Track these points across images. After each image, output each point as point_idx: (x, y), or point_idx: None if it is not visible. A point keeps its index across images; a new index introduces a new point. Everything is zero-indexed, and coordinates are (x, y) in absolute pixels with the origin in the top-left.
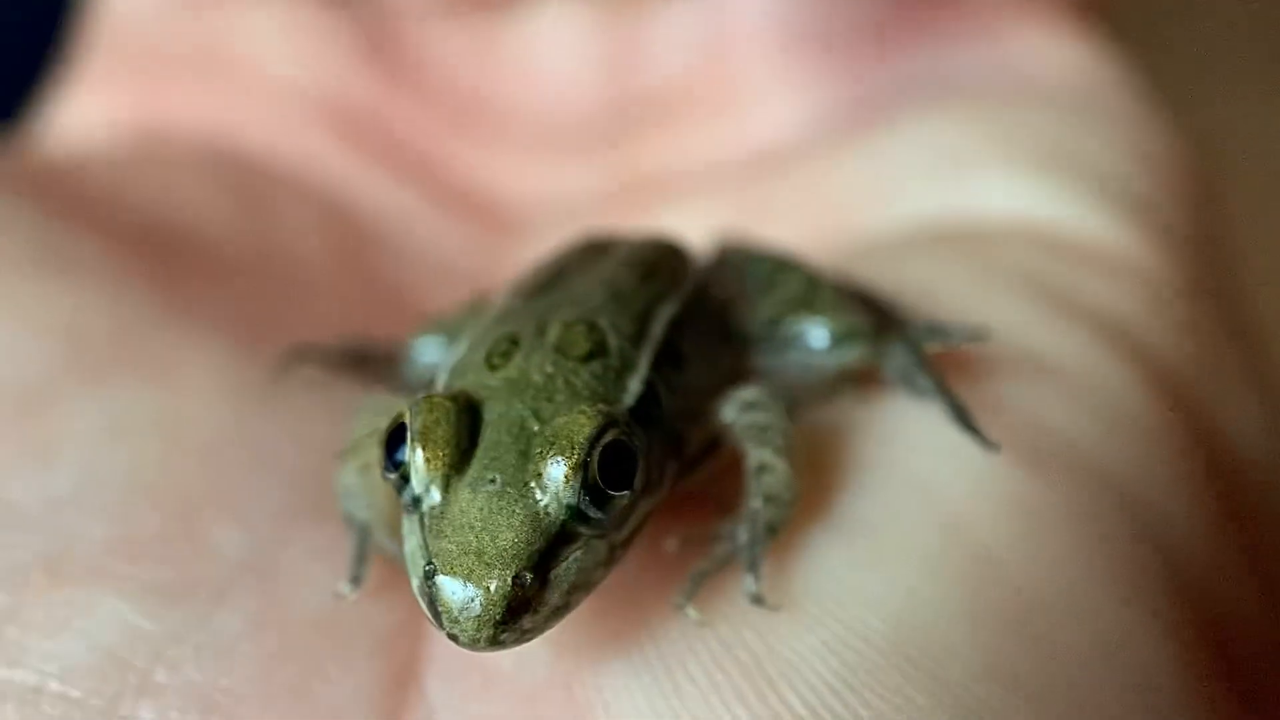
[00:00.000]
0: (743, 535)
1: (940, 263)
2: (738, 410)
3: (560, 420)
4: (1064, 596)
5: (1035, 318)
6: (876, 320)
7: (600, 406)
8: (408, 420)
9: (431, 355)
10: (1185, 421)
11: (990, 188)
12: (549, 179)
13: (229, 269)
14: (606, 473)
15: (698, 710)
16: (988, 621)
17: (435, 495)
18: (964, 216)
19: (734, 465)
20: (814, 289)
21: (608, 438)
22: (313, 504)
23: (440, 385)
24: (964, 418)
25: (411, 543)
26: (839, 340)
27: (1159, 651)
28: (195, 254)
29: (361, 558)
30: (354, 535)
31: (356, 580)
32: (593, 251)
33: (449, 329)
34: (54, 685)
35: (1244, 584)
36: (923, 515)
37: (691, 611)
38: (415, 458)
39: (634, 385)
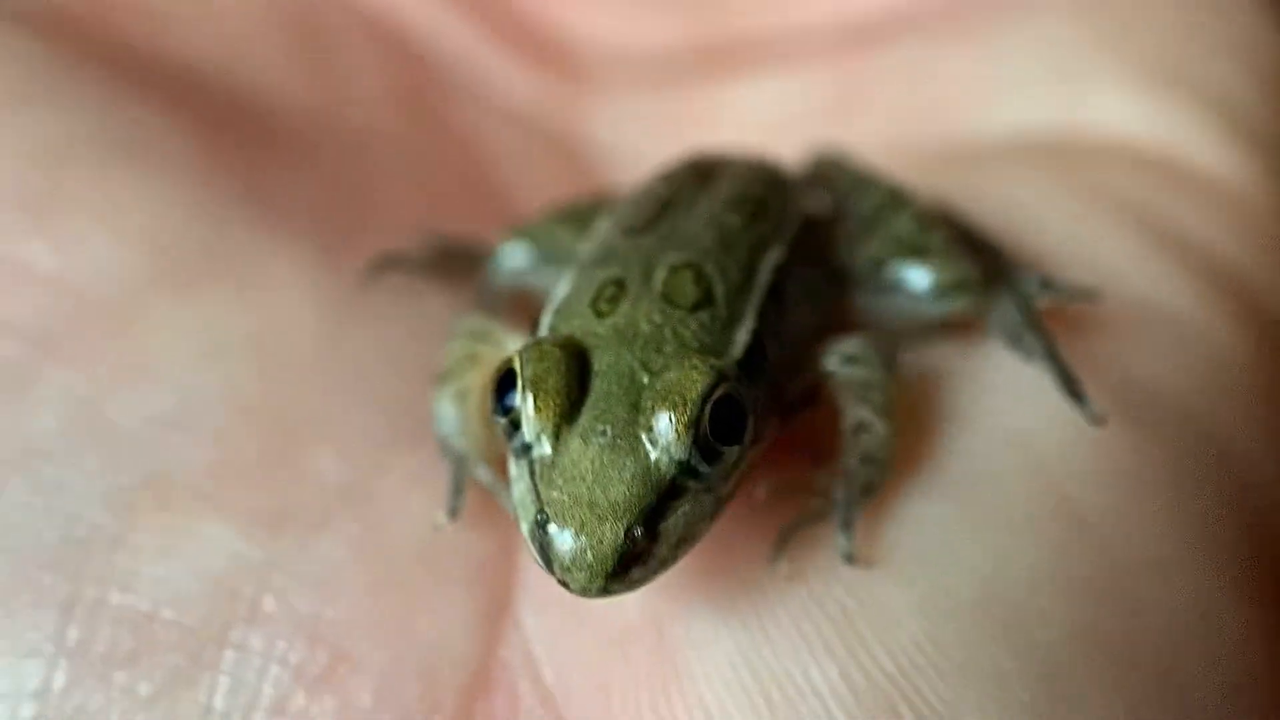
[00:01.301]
0: (839, 493)
1: (1046, 186)
2: (839, 362)
3: (671, 375)
4: (1153, 561)
5: (1143, 259)
6: (985, 270)
7: (712, 361)
8: (518, 367)
9: (517, 261)
10: None
11: (1101, 101)
12: (624, 28)
13: (301, 137)
14: (717, 427)
15: (785, 660)
16: (1076, 584)
17: (546, 444)
18: (1071, 131)
19: (829, 411)
20: (924, 231)
21: (719, 393)
22: (409, 428)
23: (545, 328)
24: (1071, 386)
25: (520, 488)
26: (946, 290)
27: (1241, 618)
28: (264, 119)
29: (458, 489)
30: (450, 465)
31: (454, 512)
32: (696, 178)
33: (536, 236)
34: (167, 613)
35: None
36: (1018, 473)
37: (784, 564)
38: (526, 406)
39: (741, 337)
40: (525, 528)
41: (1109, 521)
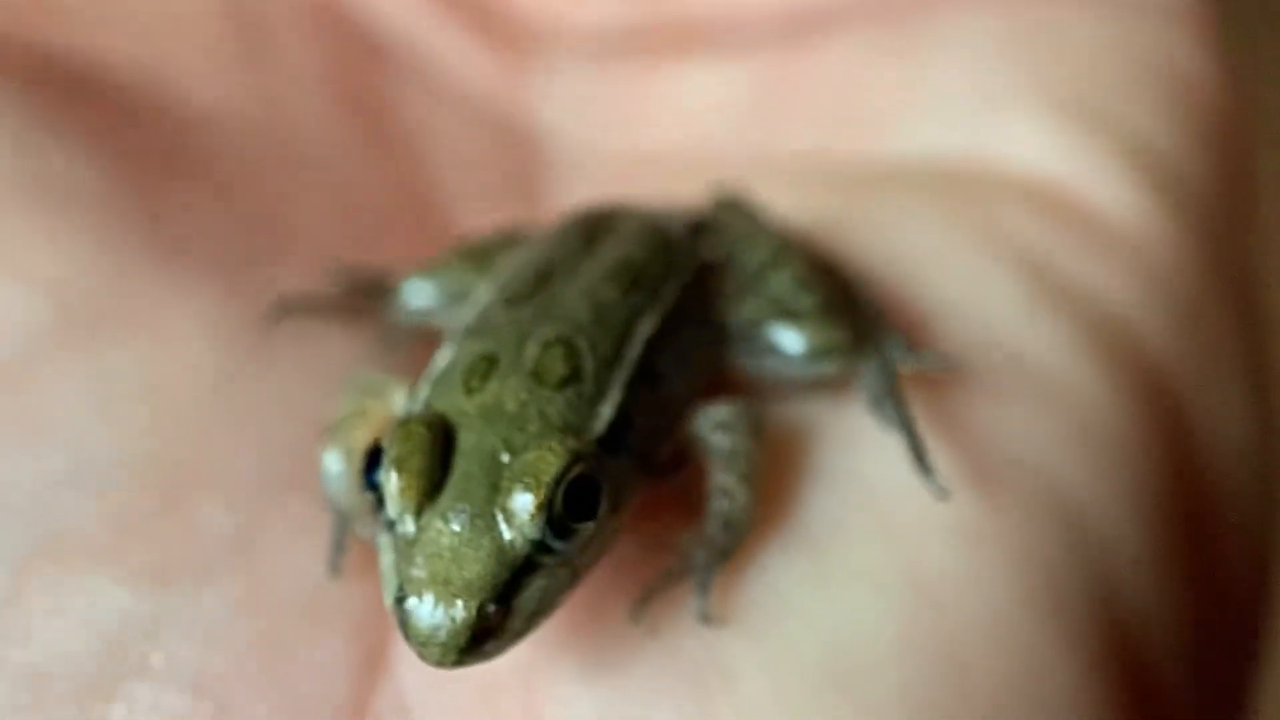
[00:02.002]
0: (698, 556)
1: (941, 227)
2: (709, 429)
3: (529, 456)
4: (989, 624)
5: (1024, 308)
6: (855, 334)
7: (569, 442)
8: (386, 445)
9: (420, 300)
10: (1161, 435)
11: (1014, 131)
12: (571, 6)
13: (224, 150)
14: (571, 506)
15: (640, 714)
16: (912, 644)
17: (408, 522)
18: (981, 160)
19: (698, 468)
20: (800, 292)
21: (573, 473)
22: (298, 476)
23: (420, 401)
24: (920, 458)
25: (385, 561)
26: (815, 355)
27: (1074, 676)
28: (183, 129)
29: (340, 546)
30: (334, 521)
31: (335, 568)
32: (584, 238)
33: (439, 276)
34: (60, 668)
35: (1181, 620)
36: (869, 533)
37: (644, 621)
38: (390, 485)
39: (606, 412)
40: (388, 600)
41: (949, 583)
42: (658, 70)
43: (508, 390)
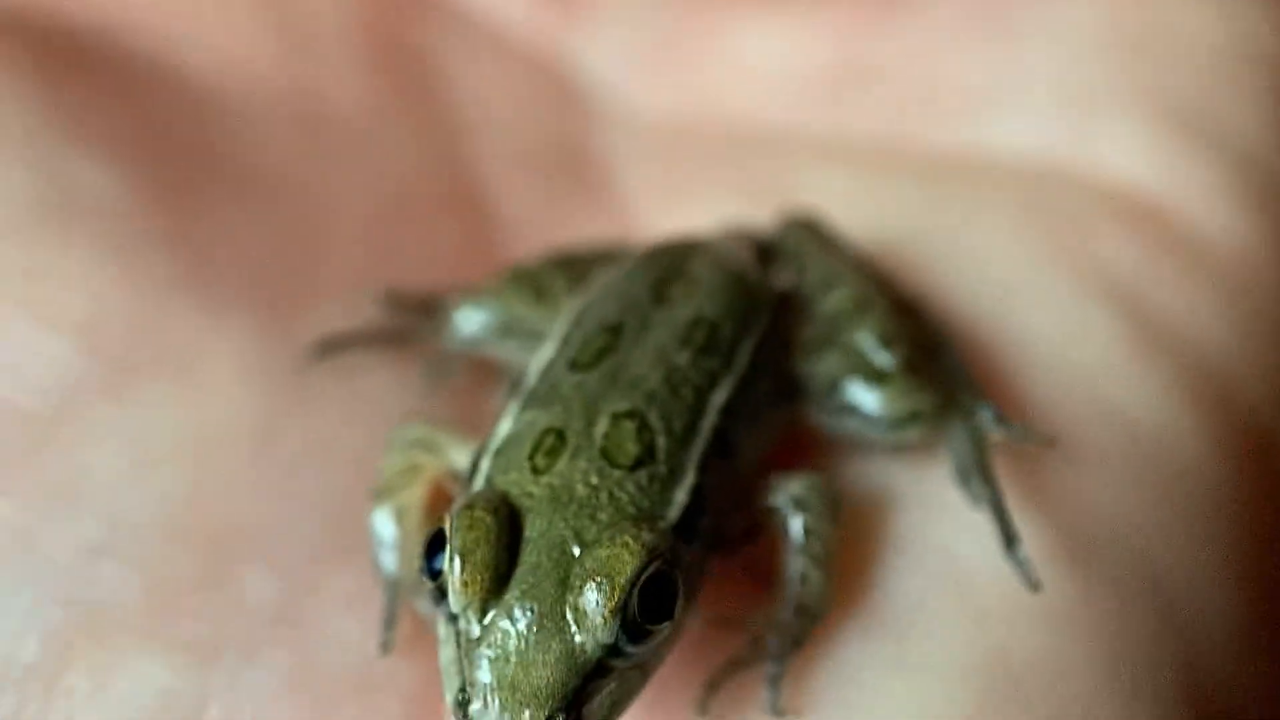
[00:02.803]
0: (771, 644)
1: (1027, 252)
2: (783, 504)
3: (602, 553)
4: (1075, 713)
5: (1123, 357)
6: (942, 398)
7: (644, 536)
8: (448, 532)
9: (471, 329)
10: (1260, 489)
11: (1109, 136)
12: None
13: (257, 157)
14: (646, 607)
15: None
16: None
17: (472, 619)
18: (1071, 166)
19: (772, 537)
20: (884, 347)
21: (650, 571)
22: (345, 537)
23: (482, 475)
24: (1010, 544)
25: (446, 655)
26: (900, 421)
27: None
28: (209, 114)
29: (390, 620)
30: (385, 592)
31: (386, 645)
32: (655, 282)
33: (490, 303)
34: None
35: (1264, 688)
36: (953, 617)
37: (712, 710)
38: (453, 578)
39: (680, 497)
40: (449, 699)
41: (1038, 673)
42: (722, 24)
43: (577, 471)
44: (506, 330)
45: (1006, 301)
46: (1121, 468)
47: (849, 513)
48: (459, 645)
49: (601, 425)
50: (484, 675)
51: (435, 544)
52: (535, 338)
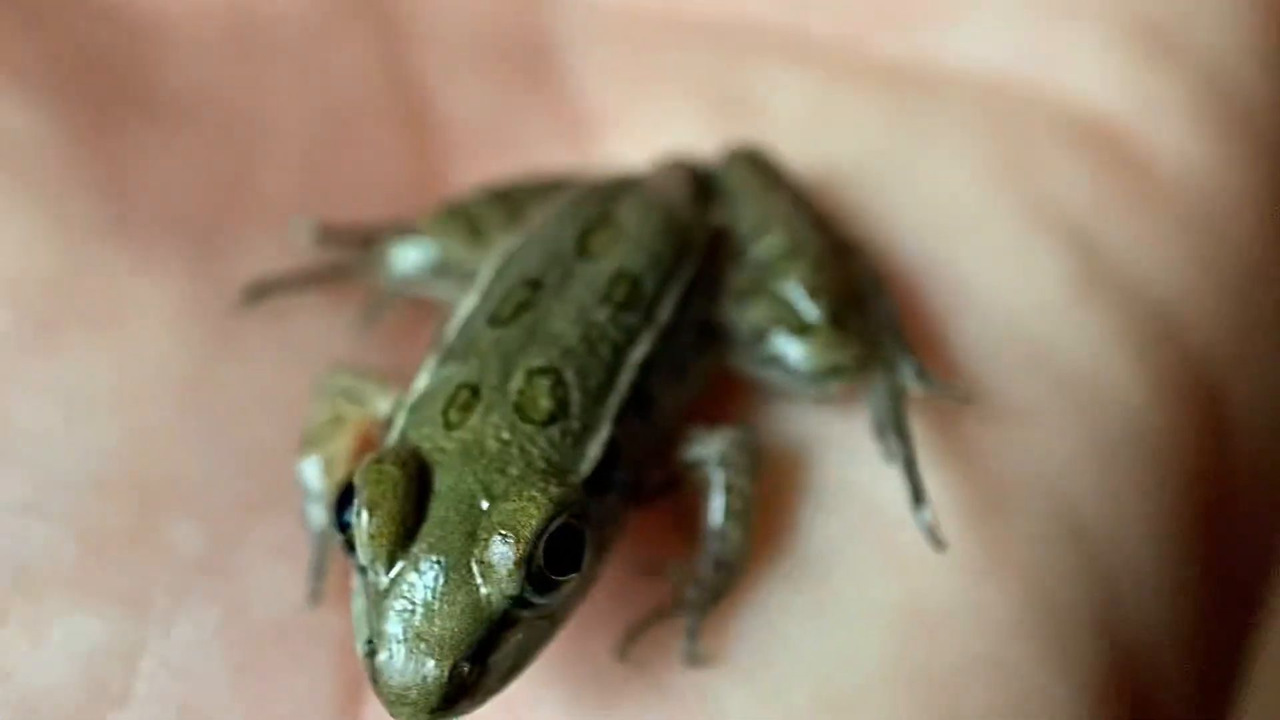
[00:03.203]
0: (689, 595)
1: (984, 180)
2: (703, 459)
3: (509, 506)
4: (985, 653)
5: (1065, 299)
6: (865, 350)
7: (552, 490)
8: (356, 485)
9: (406, 266)
10: (1195, 436)
11: (1075, 51)
12: None
13: (179, 44)
14: (552, 560)
15: None
16: (907, 681)
17: (380, 571)
18: (1033, 86)
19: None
20: (811, 297)
21: (556, 525)
22: (272, 490)
23: (396, 429)
24: (919, 503)
25: (357, 606)
26: (820, 374)
27: (1073, 709)
28: (135, 32)
29: (319, 570)
30: (313, 545)
31: (314, 595)
32: (581, 230)
33: (425, 242)
34: (44, 703)
35: (1184, 636)
36: (869, 562)
37: (630, 657)
38: (360, 530)
39: (593, 450)
40: (358, 649)
41: (948, 615)
42: None
43: (489, 426)
44: (441, 269)
45: (952, 238)
46: (1051, 417)
47: (771, 458)
48: (367, 597)
49: (516, 381)
50: (390, 626)
51: (345, 497)
52: (469, 278)
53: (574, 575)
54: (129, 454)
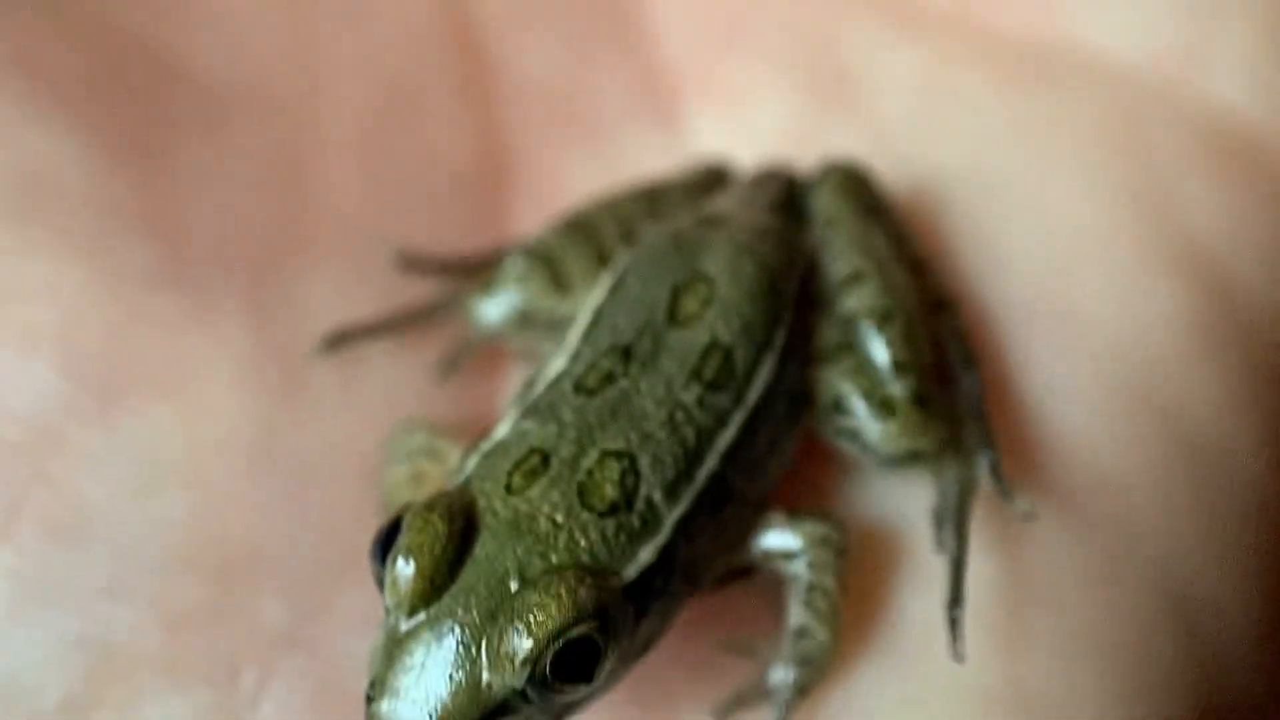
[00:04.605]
0: (775, 689)
1: (1099, 189)
2: (787, 554)
3: (533, 599)
4: None
5: (1184, 346)
6: (945, 437)
7: (580, 593)
8: (403, 525)
9: (493, 316)
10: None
11: (1220, 51)
12: None
13: (226, 75)
14: (562, 667)
15: None
16: None
17: (400, 619)
18: (1171, 85)
19: None
20: (897, 372)
21: (574, 633)
22: (352, 554)
23: (463, 476)
24: (955, 605)
25: (376, 639)
26: (899, 459)
27: None
28: (176, 67)
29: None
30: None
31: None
32: (673, 284)
33: (509, 293)
34: None
35: None
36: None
37: None
38: (391, 575)
39: (645, 555)
40: (365, 684)
41: (1045, 700)
42: None
43: (547, 502)
44: (525, 321)
45: (1067, 271)
46: (1162, 486)
47: (860, 532)
48: (385, 638)
49: (589, 459)
50: (393, 679)
51: (392, 532)
52: (554, 327)
53: (581, 686)
54: (203, 525)
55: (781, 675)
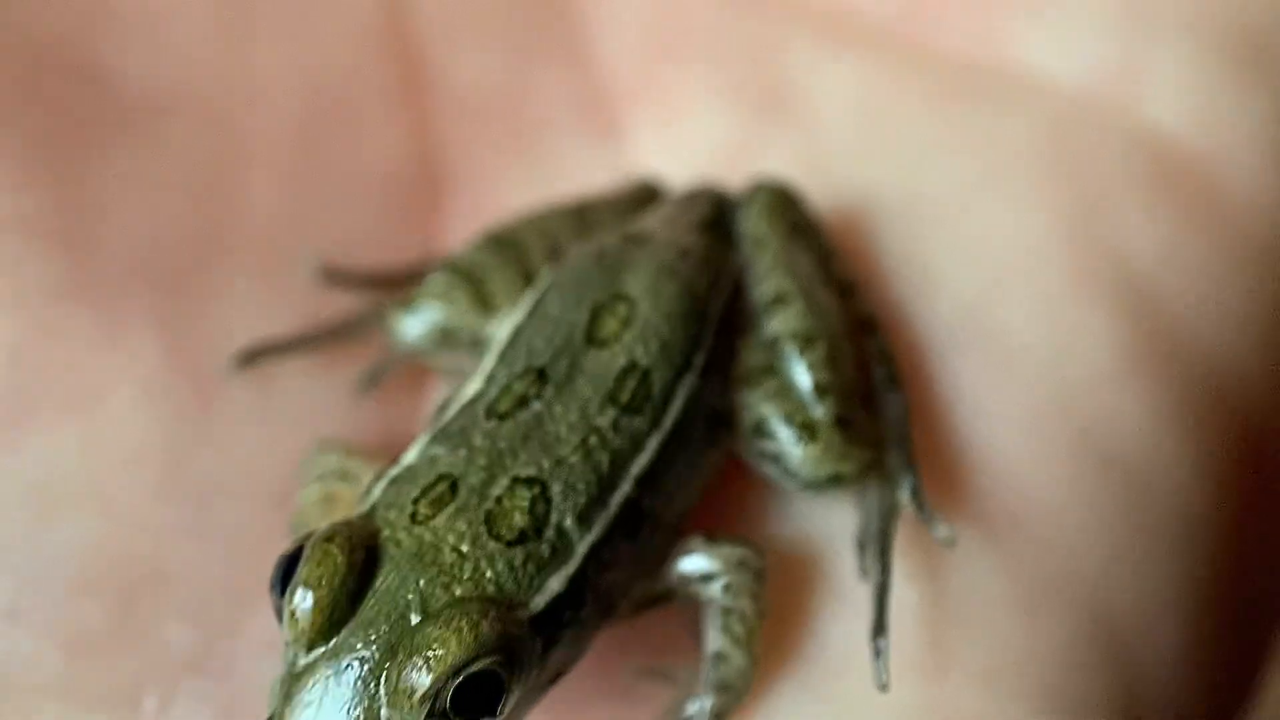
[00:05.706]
0: (691, 712)
1: (1031, 213)
2: (697, 579)
3: (433, 632)
4: None
5: (1113, 366)
6: (867, 461)
7: (481, 626)
8: (303, 556)
9: (413, 332)
10: (1234, 536)
11: (1161, 72)
12: None
13: (152, 74)
14: (462, 702)
15: None
16: None
17: (299, 653)
18: (1107, 104)
19: None
20: (819, 395)
21: (475, 668)
22: (262, 577)
23: (368, 504)
24: (878, 634)
25: (278, 672)
26: (820, 482)
27: None
28: (97, 64)
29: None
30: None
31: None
32: (593, 306)
33: (431, 309)
34: None
35: None
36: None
37: None
38: (287, 609)
39: (554, 584)
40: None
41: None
42: None
43: (452, 533)
44: (446, 339)
45: (997, 292)
46: (1090, 508)
47: (778, 553)
48: (284, 670)
49: (498, 487)
50: (292, 717)
51: (292, 562)
52: (476, 345)
53: None
54: (108, 549)
55: (700, 703)
